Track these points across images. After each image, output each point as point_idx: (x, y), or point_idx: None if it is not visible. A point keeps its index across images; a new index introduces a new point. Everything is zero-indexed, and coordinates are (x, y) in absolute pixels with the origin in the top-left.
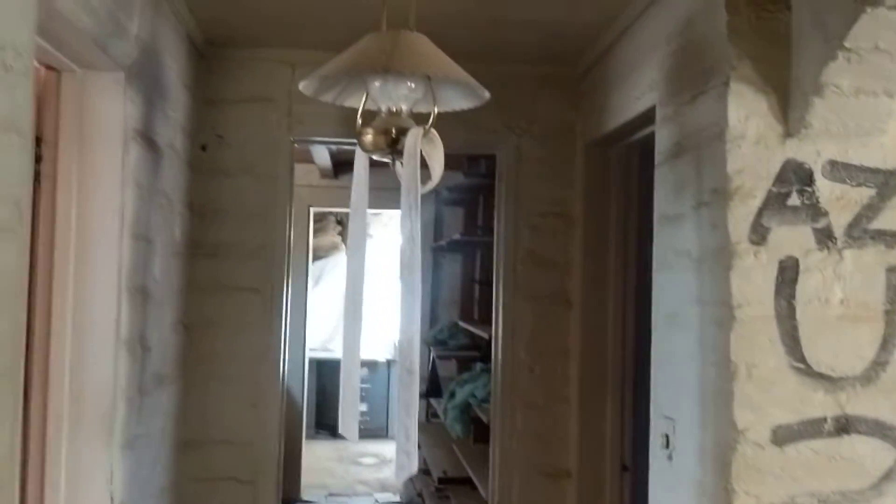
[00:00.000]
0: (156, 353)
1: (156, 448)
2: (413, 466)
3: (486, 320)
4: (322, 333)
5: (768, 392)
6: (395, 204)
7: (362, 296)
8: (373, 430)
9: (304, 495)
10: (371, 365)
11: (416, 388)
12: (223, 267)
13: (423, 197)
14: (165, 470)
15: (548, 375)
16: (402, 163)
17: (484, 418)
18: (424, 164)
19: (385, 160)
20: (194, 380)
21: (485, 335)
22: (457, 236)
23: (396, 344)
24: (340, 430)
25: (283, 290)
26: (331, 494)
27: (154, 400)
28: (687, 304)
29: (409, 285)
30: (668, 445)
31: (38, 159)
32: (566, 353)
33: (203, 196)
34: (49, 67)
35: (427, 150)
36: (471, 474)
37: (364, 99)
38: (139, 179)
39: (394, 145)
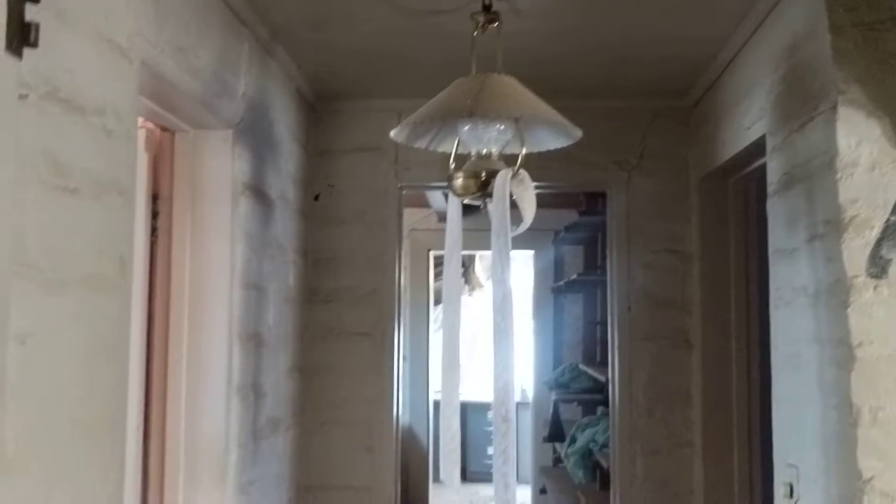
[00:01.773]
0: (270, 398)
1: (272, 493)
2: None
3: (607, 362)
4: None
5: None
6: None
7: (458, 341)
8: None
9: None
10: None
11: (512, 436)
12: (336, 312)
13: (542, 238)
14: None
15: (668, 420)
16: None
17: (605, 464)
18: (516, 206)
19: (476, 203)
20: (310, 425)
21: (603, 378)
22: (575, 276)
23: (493, 391)
24: (441, 477)
25: (394, 332)
26: None
27: (269, 445)
28: (805, 343)
29: (503, 330)
30: (791, 495)
31: (154, 215)
32: (687, 397)
33: (316, 243)
34: (163, 129)
35: (517, 192)
36: None
37: (456, 144)
38: (249, 230)
39: (484, 188)
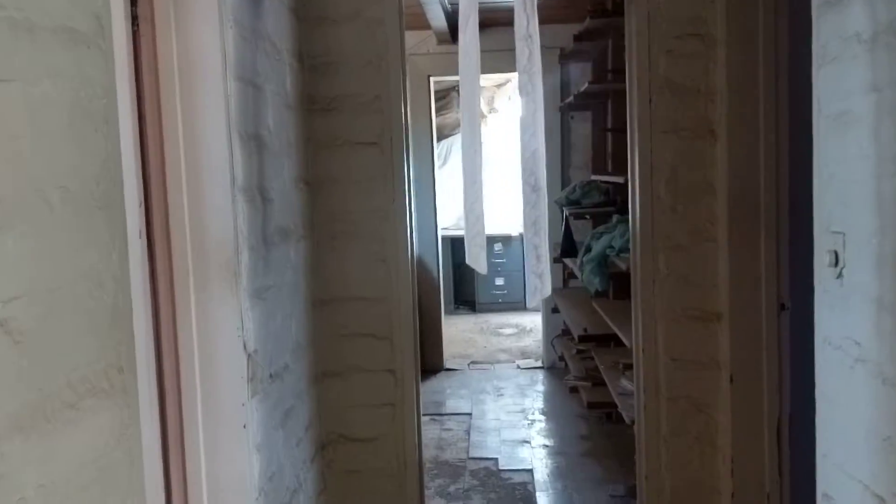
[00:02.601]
0: (278, 205)
1: (288, 302)
2: (546, 289)
3: (621, 170)
4: (454, 212)
5: None
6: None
7: (477, 117)
8: (511, 302)
9: (447, 364)
10: (505, 240)
11: (543, 206)
12: (339, 121)
13: (547, 57)
14: (301, 326)
15: (692, 214)
16: None
17: (623, 266)
18: None
19: None
20: (321, 238)
21: (620, 180)
22: (585, 86)
23: (521, 160)
24: (468, 261)
25: (402, 140)
26: (473, 363)
27: (281, 253)
28: (858, 95)
29: (530, 93)
30: (837, 262)
31: (133, 1)
32: (712, 189)
33: (311, 46)
34: None
35: None
36: (613, 328)
37: None
38: (239, 18)
39: None
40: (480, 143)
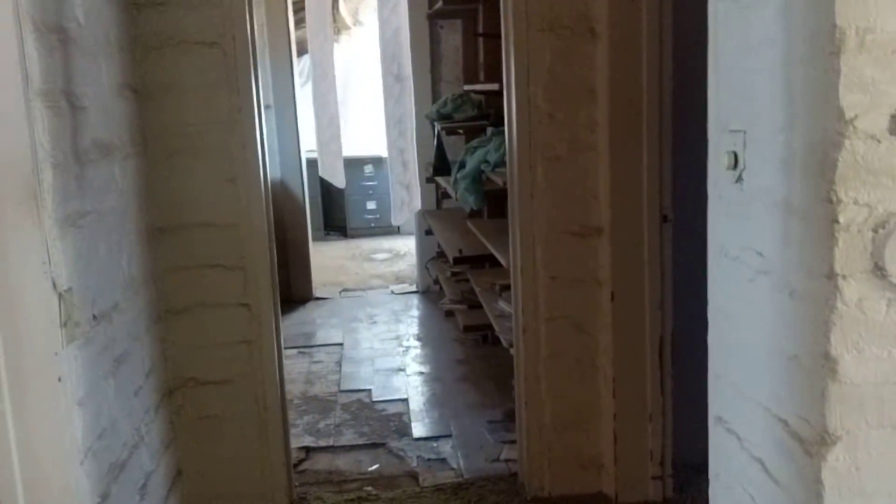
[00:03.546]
0: (95, 115)
1: (115, 231)
2: (415, 202)
3: (495, 78)
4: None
5: (888, 66)
6: None
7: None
8: (384, 227)
9: (317, 293)
10: (376, 161)
11: (409, 102)
12: (172, 17)
13: None
14: (133, 258)
15: (571, 122)
16: None
17: (499, 182)
18: None
19: None
20: (156, 155)
21: (494, 87)
22: None
23: (380, 44)
24: (321, 173)
25: (246, 39)
26: (345, 290)
27: (102, 174)
28: None
29: None
30: (736, 165)
31: None
32: (592, 94)
33: None
34: None
35: None
36: (489, 248)
37: None
38: None
39: None
40: (332, 37)
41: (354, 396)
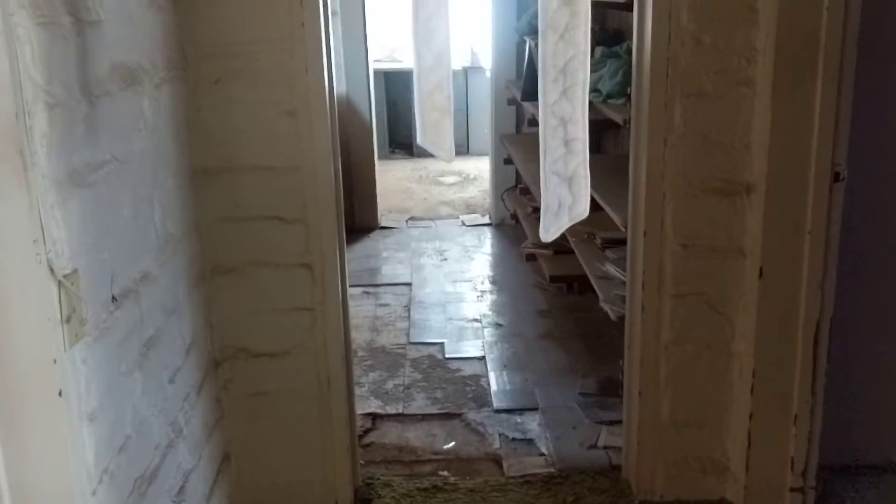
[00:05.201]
0: (113, 32)
1: (145, 181)
2: (580, 205)
3: None
4: (390, 41)
5: None
6: None
7: None
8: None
9: (383, 222)
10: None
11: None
12: None
13: None
14: (172, 210)
15: (723, 48)
16: None
17: (617, 118)
18: None
19: None
20: (199, 80)
21: None
22: None
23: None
24: (420, 140)
25: None
26: (412, 219)
27: (123, 108)
28: None
29: None
30: None
31: None
32: (753, 13)
33: None
34: None
35: None
36: (593, 194)
37: None
38: None
39: None
40: None
41: (425, 350)
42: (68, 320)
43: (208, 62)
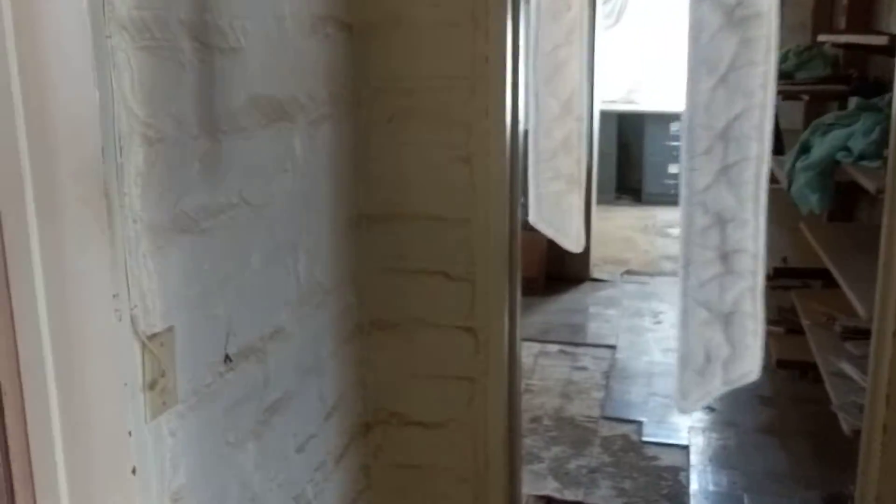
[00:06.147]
0: (257, 61)
1: (286, 227)
2: (748, 367)
3: (859, 26)
4: (626, 82)
5: None
6: None
7: None
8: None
9: (594, 273)
10: (676, 118)
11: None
12: None
13: None
14: (322, 259)
15: None
16: None
17: (869, 185)
18: None
19: None
20: (368, 118)
21: (864, 40)
22: None
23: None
24: (532, 219)
25: None
26: (628, 272)
27: (264, 146)
28: None
29: None
30: None
31: None
32: None
33: None
34: None
35: None
36: (827, 263)
37: None
38: None
39: None
40: None
41: (620, 429)
42: (152, 386)
43: (381, 98)
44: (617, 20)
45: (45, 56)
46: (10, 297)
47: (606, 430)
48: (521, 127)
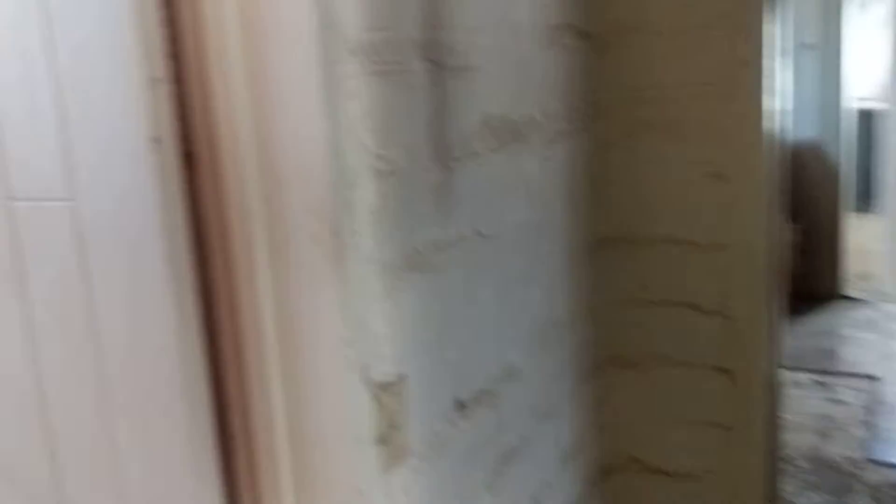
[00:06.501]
0: (491, 79)
1: (521, 256)
2: None
3: None
4: (872, 78)
5: None
6: None
7: None
8: None
9: (847, 291)
10: None
11: None
12: None
13: None
14: (558, 289)
15: None
16: None
17: None
18: None
19: None
20: (607, 133)
21: None
22: None
23: None
24: None
25: None
26: (884, 295)
27: (496, 171)
28: None
29: None
30: None
31: None
32: None
33: None
34: None
35: None
36: None
37: None
38: None
39: None
40: None
41: (890, 475)
42: (383, 440)
43: (620, 111)
44: (863, 5)
45: (271, 86)
46: (239, 340)
47: (873, 475)
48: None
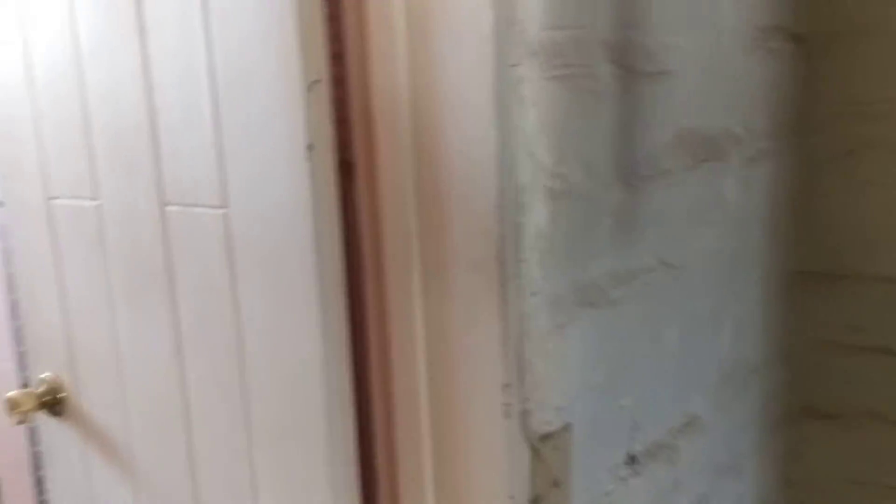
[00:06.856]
0: (685, 83)
1: (709, 291)
2: None
3: None
4: None
5: None
6: None
7: None
8: None
9: None
10: None
11: None
12: None
13: None
14: (750, 328)
15: None
16: None
17: None
18: None
19: None
20: (818, 152)
21: None
22: None
23: None
24: None
25: None
26: None
27: (683, 191)
28: None
29: None
30: None
31: None
32: None
33: None
34: None
35: None
36: None
37: None
38: None
39: None
40: None
41: None
42: (540, 500)
43: (836, 127)
44: None
45: (438, 89)
46: (389, 373)
47: None
48: None
